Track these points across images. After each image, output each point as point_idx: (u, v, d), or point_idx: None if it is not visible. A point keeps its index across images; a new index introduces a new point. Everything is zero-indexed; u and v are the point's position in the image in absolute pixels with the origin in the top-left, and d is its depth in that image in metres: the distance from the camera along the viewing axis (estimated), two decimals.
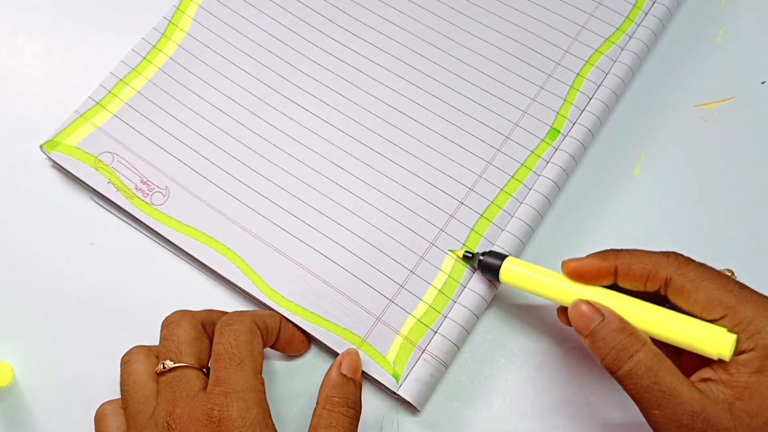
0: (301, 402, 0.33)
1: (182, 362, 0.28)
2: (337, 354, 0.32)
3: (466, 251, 0.34)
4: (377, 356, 0.33)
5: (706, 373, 0.27)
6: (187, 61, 0.39)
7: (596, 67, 0.39)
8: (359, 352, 0.32)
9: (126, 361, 0.29)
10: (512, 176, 0.36)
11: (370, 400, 0.33)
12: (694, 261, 0.28)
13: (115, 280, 0.36)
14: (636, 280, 0.29)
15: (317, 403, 0.30)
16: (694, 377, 0.27)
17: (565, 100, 0.38)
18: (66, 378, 0.34)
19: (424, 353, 0.33)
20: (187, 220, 0.36)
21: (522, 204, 0.36)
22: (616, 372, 0.27)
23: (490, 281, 0.34)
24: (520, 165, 0.36)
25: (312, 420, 0.29)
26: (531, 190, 0.36)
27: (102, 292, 0.35)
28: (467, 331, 0.33)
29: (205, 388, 0.28)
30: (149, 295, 0.35)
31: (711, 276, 0.27)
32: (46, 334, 0.35)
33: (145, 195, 0.36)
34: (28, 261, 0.36)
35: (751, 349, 0.26)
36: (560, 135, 0.37)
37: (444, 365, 0.33)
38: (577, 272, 0.30)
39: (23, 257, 0.36)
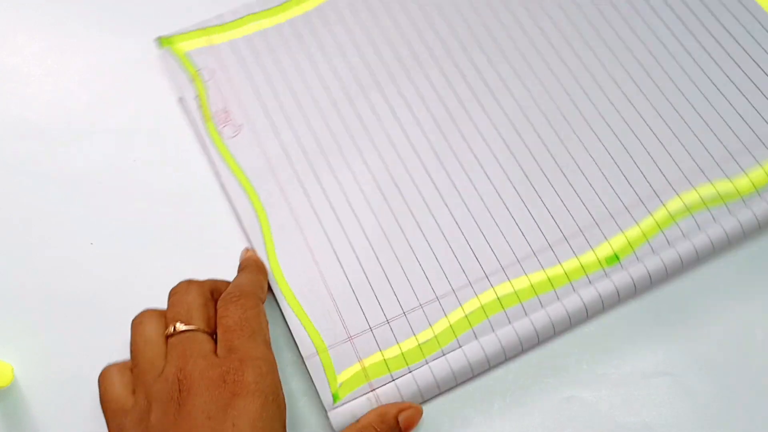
0: (300, 403, 0.33)
1: (193, 325, 0.29)
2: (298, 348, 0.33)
3: None
4: (330, 370, 0.32)
5: None
6: (318, 24, 0.40)
7: (693, 215, 0.35)
8: None
9: (138, 323, 0.30)
10: (549, 270, 0.34)
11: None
12: None
13: (115, 280, 0.36)
14: None
15: (357, 422, 0.30)
16: None
17: (640, 229, 0.35)
18: (66, 378, 0.34)
19: (371, 392, 0.32)
20: (243, 164, 0.36)
21: (543, 309, 0.33)
22: None
23: None
24: (559, 266, 0.34)
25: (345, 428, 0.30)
26: (566, 296, 0.34)
27: (102, 292, 0.35)
28: (422, 397, 0.32)
29: (215, 351, 0.28)
30: (149, 294, 0.35)
31: None
32: (46, 334, 0.35)
33: (219, 123, 0.37)
34: (28, 261, 0.36)
35: None
36: (618, 264, 0.34)
37: None
38: None
39: (23, 257, 0.36)
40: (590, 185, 0.36)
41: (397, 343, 0.33)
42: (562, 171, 0.36)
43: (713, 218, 0.35)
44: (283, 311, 0.34)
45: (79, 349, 0.34)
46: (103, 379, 0.29)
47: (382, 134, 0.38)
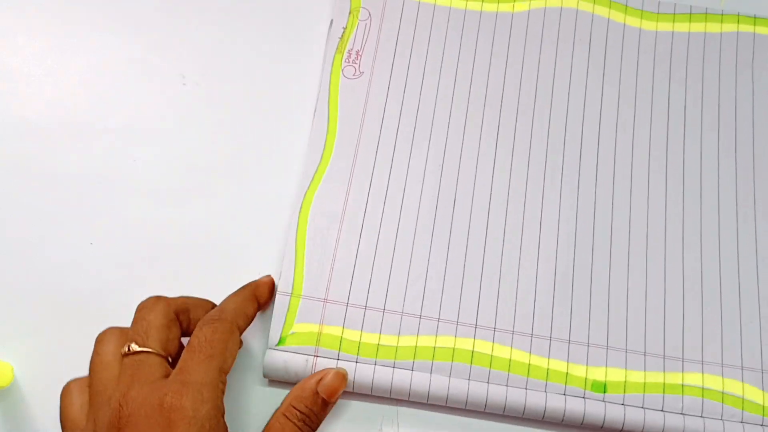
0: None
1: (147, 347, 0.28)
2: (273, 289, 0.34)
3: None
4: (291, 315, 0.33)
5: None
6: (487, 29, 0.40)
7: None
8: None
9: (99, 340, 0.30)
10: (534, 358, 0.33)
11: (370, 400, 0.33)
12: None
13: (115, 280, 0.36)
14: None
15: (281, 405, 0.30)
16: None
17: (644, 378, 0.33)
18: (66, 378, 0.34)
19: (312, 357, 0.32)
20: (341, 104, 0.37)
21: (505, 387, 0.33)
22: None
23: None
24: (546, 359, 0.33)
25: (270, 420, 0.30)
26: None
27: (102, 292, 0.35)
28: (353, 389, 0.32)
29: (165, 375, 0.28)
30: (149, 294, 0.35)
31: None
32: (46, 334, 0.35)
33: (346, 61, 0.38)
34: (28, 261, 0.36)
35: None
36: (602, 394, 0.33)
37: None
38: None
39: (23, 257, 0.36)
40: (626, 311, 0.34)
41: (361, 331, 0.33)
42: (609, 282, 0.35)
43: (721, 415, 0.33)
44: (287, 243, 0.34)
45: (79, 349, 0.34)
46: (63, 397, 0.29)
47: (471, 159, 0.37)
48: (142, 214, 0.37)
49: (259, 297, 0.33)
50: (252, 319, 0.33)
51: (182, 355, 0.28)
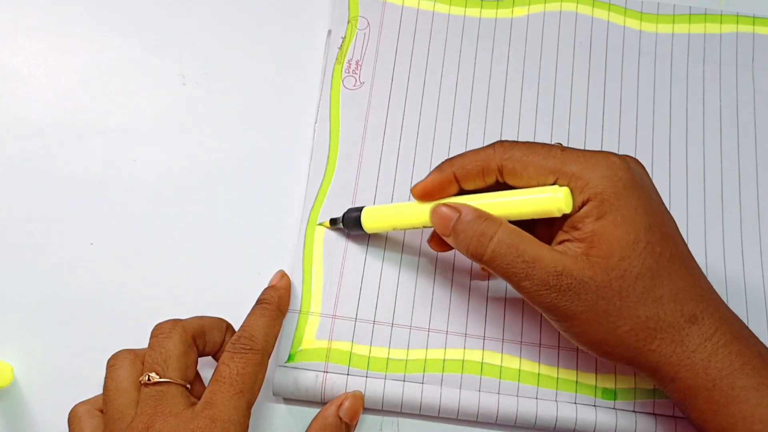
0: None
1: (168, 377, 0.28)
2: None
3: (331, 219, 0.35)
4: (300, 331, 0.33)
5: (561, 236, 0.29)
6: (486, 34, 0.40)
7: None
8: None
9: (111, 366, 0.29)
10: (543, 368, 0.33)
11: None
12: (517, 142, 0.30)
13: (115, 280, 0.36)
14: (475, 178, 0.30)
15: None
16: (553, 243, 0.29)
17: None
18: (66, 378, 0.34)
19: (322, 373, 0.32)
20: (343, 116, 0.37)
21: (516, 398, 0.33)
22: (482, 258, 0.28)
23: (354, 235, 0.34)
24: (555, 369, 0.33)
25: None
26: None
27: (102, 292, 0.35)
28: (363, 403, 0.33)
29: (188, 405, 0.28)
30: (149, 295, 0.35)
31: (534, 149, 0.29)
32: (46, 334, 0.35)
33: (346, 71, 0.38)
34: (28, 261, 0.36)
35: (587, 201, 0.27)
36: (612, 401, 0.33)
37: (321, 401, 0.33)
38: (425, 192, 0.31)
39: (23, 257, 0.36)
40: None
41: (370, 345, 0.33)
42: None
43: None
44: (295, 260, 0.34)
45: (79, 349, 0.34)
46: (72, 422, 0.29)
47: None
48: (142, 214, 0.37)
49: (284, 310, 0.33)
50: (276, 337, 0.32)
51: (210, 385, 0.28)
